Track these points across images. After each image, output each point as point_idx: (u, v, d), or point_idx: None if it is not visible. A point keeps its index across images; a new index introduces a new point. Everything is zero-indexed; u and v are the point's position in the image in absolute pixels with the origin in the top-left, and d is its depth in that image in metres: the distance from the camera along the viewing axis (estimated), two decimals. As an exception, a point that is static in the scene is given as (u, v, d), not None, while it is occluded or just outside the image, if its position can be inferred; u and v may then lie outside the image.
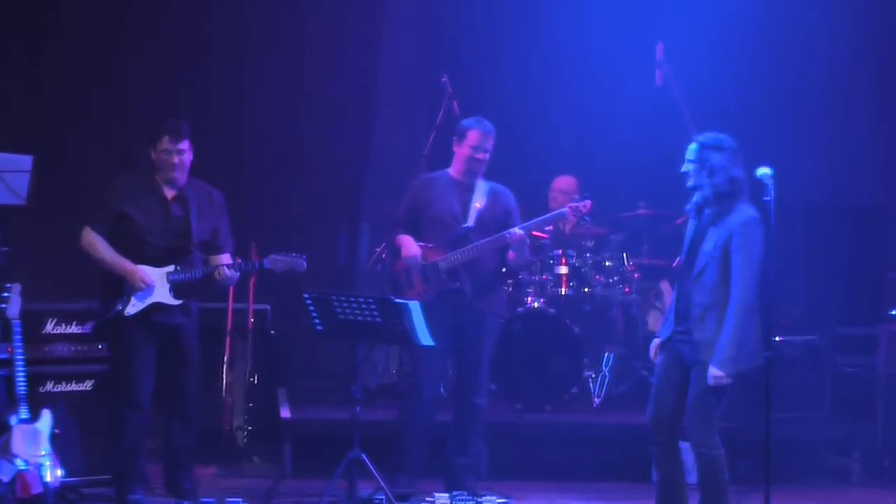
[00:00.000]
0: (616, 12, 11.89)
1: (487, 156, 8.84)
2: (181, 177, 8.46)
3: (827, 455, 9.95)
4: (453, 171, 8.92)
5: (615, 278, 10.85)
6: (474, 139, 8.81)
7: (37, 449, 8.10)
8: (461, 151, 8.85)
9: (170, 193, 8.47)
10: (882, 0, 11.68)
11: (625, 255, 10.97)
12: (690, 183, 7.56)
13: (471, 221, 8.78)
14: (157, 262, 8.37)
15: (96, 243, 8.41)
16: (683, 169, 7.58)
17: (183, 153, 8.40)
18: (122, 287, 8.35)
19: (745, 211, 7.45)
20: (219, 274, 8.47)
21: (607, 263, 10.86)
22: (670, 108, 10.77)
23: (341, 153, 11.67)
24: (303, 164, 11.61)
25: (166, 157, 8.38)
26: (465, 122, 8.95)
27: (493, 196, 8.88)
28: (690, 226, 7.67)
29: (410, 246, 8.74)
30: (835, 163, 11.80)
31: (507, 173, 10.92)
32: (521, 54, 11.95)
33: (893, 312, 9.91)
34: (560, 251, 10.74)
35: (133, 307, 8.34)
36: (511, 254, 8.89)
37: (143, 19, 11.26)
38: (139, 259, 8.35)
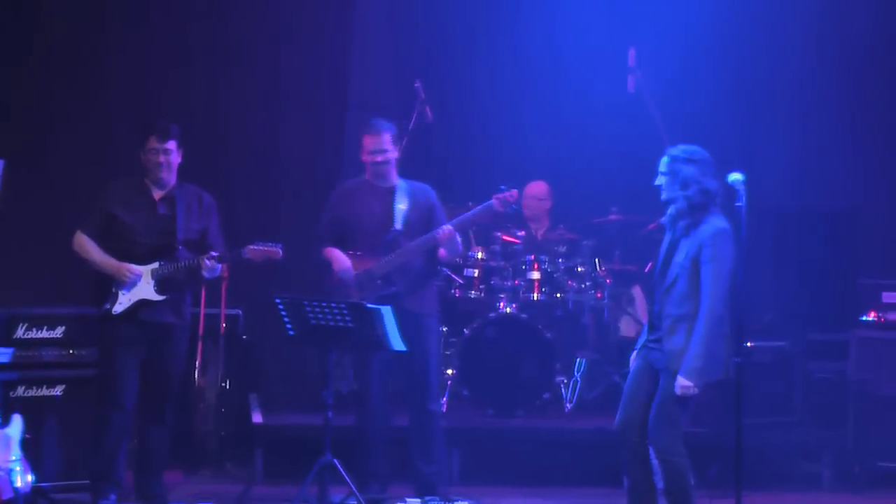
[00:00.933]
0: (588, 18, 11.90)
1: (388, 154, 8.82)
2: (168, 177, 8.56)
3: (798, 461, 9.97)
4: (369, 176, 8.92)
5: (587, 284, 10.86)
6: (368, 144, 8.83)
7: (7, 454, 8.06)
8: (364, 159, 8.88)
9: (158, 194, 8.57)
10: (851, 6, 11.72)
11: (597, 260, 10.98)
12: (664, 196, 7.59)
13: (398, 224, 8.77)
14: (143, 260, 8.45)
15: (85, 244, 8.52)
16: (657, 182, 7.61)
17: (170, 153, 8.51)
18: (110, 287, 8.41)
19: (716, 223, 7.48)
20: (202, 265, 8.45)
21: (579, 269, 10.87)
22: (642, 113, 10.79)
23: (315, 157, 11.66)
24: (276, 169, 11.60)
25: (153, 156, 8.50)
26: (361, 130, 8.97)
27: (413, 195, 8.88)
28: (666, 238, 7.71)
29: (341, 259, 8.75)
30: (806, 168, 11.84)
31: (478, 179, 10.98)
32: (493, 59, 11.96)
33: (864, 318, 9.94)
34: (532, 256, 10.75)
35: (120, 305, 8.41)
36: (442, 251, 8.88)
37: (120, 23, 11.23)
38: (126, 258, 8.43)
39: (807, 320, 10.61)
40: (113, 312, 8.41)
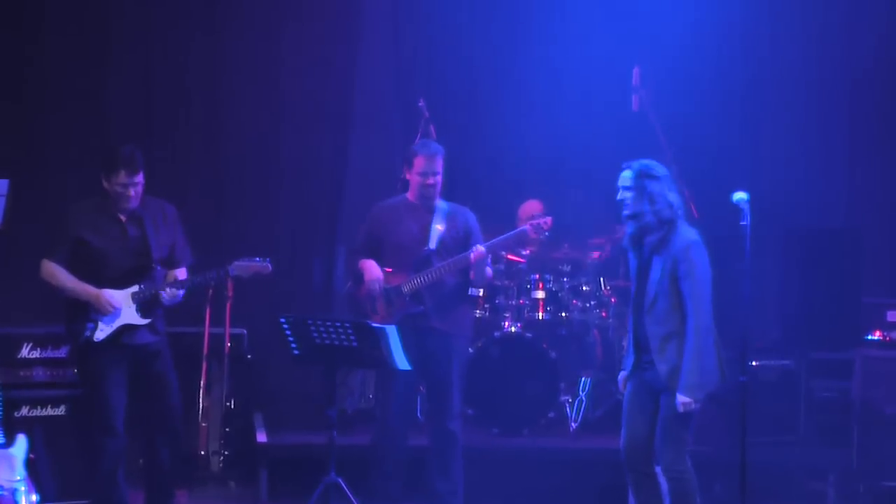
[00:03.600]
0: (593, 37, 11.92)
1: (439, 178, 8.83)
2: (136, 205, 8.42)
3: (802, 479, 9.95)
4: (411, 196, 8.92)
5: (592, 303, 10.86)
6: (421, 165, 8.80)
7: (11, 474, 8.04)
8: (412, 179, 8.86)
9: (123, 216, 8.43)
10: (855, 25, 11.74)
11: (601, 279, 10.98)
12: (628, 212, 7.58)
13: (432, 244, 8.78)
14: (120, 284, 8.35)
15: (55, 272, 8.38)
16: (619, 197, 7.60)
17: (138, 185, 8.36)
18: (87, 312, 8.31)
19: (687, 235, 7.49)
20: (163, 294, 8.36)
21: (584, 288, 10.87)
22: (647, 132, 10.79)
23: (317, 176, 11.66)
24: (279, 187, 11.59)
25: (122, 190, 8.33)
26: (413, 147, 8.97)
27: (452, 218, 8.89)
28: (632, 258, 7.70)
29: (373, 270, 8.76)
30: (810, 187, 11.84)
31: (483, 196, 10.98)
32: (497, 78, 11.95)
33: (869, 337, 9.94)
34: (537, 275, 10.76)
35: (102, 332, 8.32)
36: (471, 273, 8.87)
37: (122, 40, 11.22)
38: (101, 283, 8.33)
39: (811, 339, 10.59)
40: (95, 340, 8.31)
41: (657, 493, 7.66)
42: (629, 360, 7.74)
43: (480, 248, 8.71)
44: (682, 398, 7.41)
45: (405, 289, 8.71)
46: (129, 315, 8.35)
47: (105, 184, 8.39)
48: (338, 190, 11.72)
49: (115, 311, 8.31)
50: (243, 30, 11.47)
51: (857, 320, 10.29)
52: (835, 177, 11.84)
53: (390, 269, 8.76)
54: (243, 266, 8.49)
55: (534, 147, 11.95)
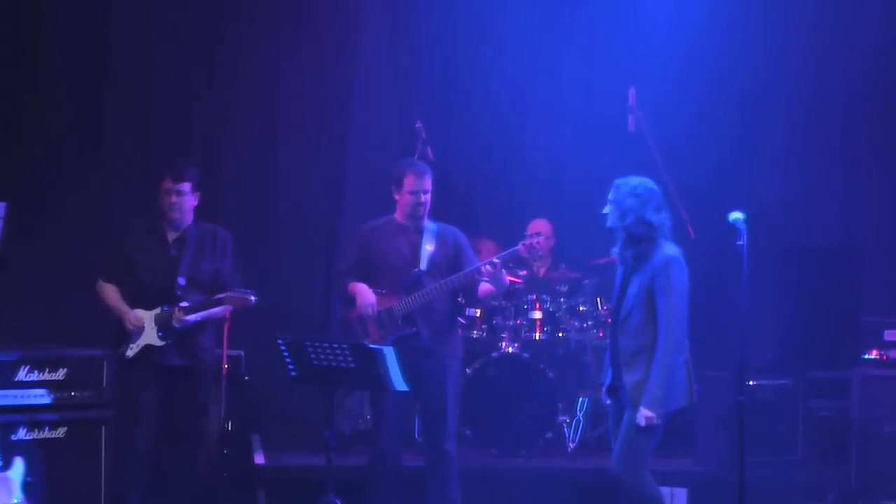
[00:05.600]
0: (588, 57, 11.96)
1: (429, 196, 8.80)
2: (181, 218, 8.64)
3: (801, 499, 9.93)
4: (399, 216, 8.88)
5: (589, 323, 10.87)
6: (411, 184, 8.76)
7: (9, 497, 8.05)
8: (402, 199, 8.81)
9: (172, 236, 8.65)
10: (850, 45, 11.77)
11: (598, 299, 10.99)
12: (608, 223, 7.64)
13: (423, 265, 8.75)
14: (151, 304, 8.54)
15: (104, 290, 8.69)
16: (604, 210, 7.66)
17: (182, 195, 8.59)
18: (126, 331, 8.55)
19: (667, 250, 7.51)
20: (173, 316, 8.50)
21: (581, 308, 10.88)
22: (643, 153, 10.82)
23: (316, 197, 11.68)
24: (278, 209, 11.61)
25: (166, 197, 8.60)
26: (397, 168, 8.93)
27: (441, 237, 8.86)
28: (618, 271, 7.73)
29: (365, 294, 8.71)
30: (807, 206, 11.86)
31: (480, 217, 10.99)
32: (494, 99, 11.97)
33: (866, 356, 9.94)
34: (534, 296, 10.77)
35: (131, 350, 8.52)
36: (484, 287, 8.80)
37: (120, 62, 11.23)
38: (137, 302, 8.54)
39: (809, 358, 10.60)
40: (126, 356, 8.52)
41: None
42: (608, 374, 7.75)
43: (489, 266, 8.63)
44: (644, 412, 7.41)
45: (397, 312, 8.69)
46: (151, 335, 8.52)
47: (158, 195, 8.64)
48: (336, 211, 11.74)
49: (139, 330, 8.49)
50: (241, 50, 11.49)
51: (854, 339, 10.29)
52: (831, 196, 11.86)
53: (382, 291, 8.74)
54: (231, 297, 8.55)
55: (531, 167, 11.99)
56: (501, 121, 12.00)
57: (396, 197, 8.86)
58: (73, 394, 8.81)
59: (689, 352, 7.54)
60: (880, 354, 9.90)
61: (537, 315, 10.77)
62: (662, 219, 7.55)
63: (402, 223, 8.86)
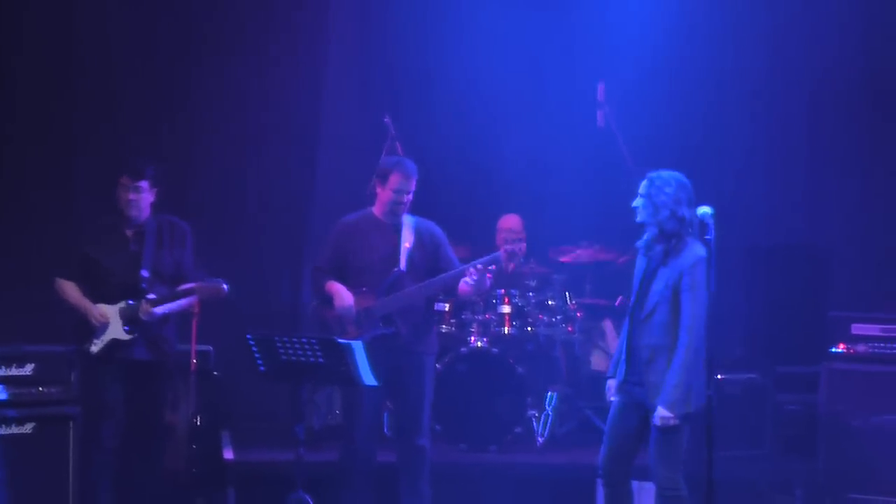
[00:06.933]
0: (558, 53, 11.97)
1: (410, 197, 8.78)
2: (138, 215, 8.62)
3: (769, 493, 9.97)
4: (377, 211, 8.85)
5: (558, 317, 10.88)
6: (396, 182, 8.71)
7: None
8: (384, 194, 8.76)
9: (130, 230, 8.64)
10: (815, 42, 11.80)
11: (568, 294, 11.01)
12: (639, 218, 7.61)
13: (402, 265, 8.72)
14: (114, 299, 8.51)
15: (63, 288, 8.64)
16: (634, 203, 7.62)
17: (140, 192, 8.57)
18: (89, 327, 8.50)
19: (696, 250, 7.47)
20: (140, 309, 8.47)
21: (550, 303, 10.89)
22: (612, 148, 10.84)
23: (284, 193, 11.65)
24: (246, 204, 11.58)
25: (123, 193, 8.58)
26: (386, 163, 8.92)
27: (419, 233, 8.83)
28: (640, 263, 7.69)
29: (344, 295, 8.65)
30: (774, 203, 11.90)
31: (449, 213, 10.99)
32: (463, 94, 11.98)
33: (834, 350, 9.97)
34: (503, 290, 10.76)
35: (95, 346, 8.48)
36: (464, 287, 8.74)
37: (89, 61, 11.18)
38: (99, 297, 8.51)
39: (777, 353, 10.64)
40: (91, 352, 8.49)
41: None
42: (619, 371, 7.71)
43: (472, 270, 8.60)
44: (662, 412, 7.40)
45: (376, 311, 8.64)
46: (117, 330, 8.49)
47: (116, 193, 8.60)
48: (305, 207, 11.72)
49: (104, 326, 8.45)
50: (210, 45, 11.45)
51: (822, 334, 10.32)
52: (798, 192, 11.89)
53: (361, 289, 8.69)
54: (203, 287, 8.52)
55: (500, 163, 11.99)
56: (471, 116, 12.01)
57: (378, 191, 8.82)
58: (40, 389, 8.79)
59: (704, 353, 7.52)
60: (848, 348, 9.92)
61: (506, 310, 10.77)
62: (692, 215, 7.51)
63: (379, 219, 8.83)
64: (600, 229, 11.43)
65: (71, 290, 8.60)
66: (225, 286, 8.53)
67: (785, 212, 11.86)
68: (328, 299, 8.74)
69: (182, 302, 8.68)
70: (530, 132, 11.98)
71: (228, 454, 9.79)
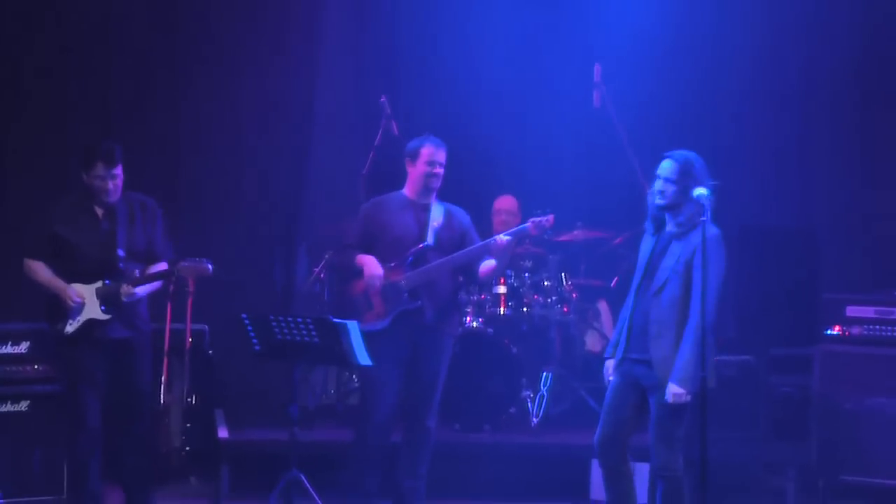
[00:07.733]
0: (554, 33, 11.96)
1: (443, 170, 8.78)
2: (114, 198, 8.48)
3: (762, 475, 10.00)
4: (408, 191, 8.85)
5: (553, 298, 10.89)
6: (428, 154, 8.73)
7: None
8: (417, 170, 8.77)
9: (100, 210, 8.48)
10: (809, 24, 11.79)
11: (563, 275, 11.01)
12: (665, 201, 7.53)
13: (430, 240, 8.73)
14: (88, 279, 8.38)
15: (34, 269, 8.47)
16: (657, 187, 7.57)
17: (116, 178, 8.42)
18: (63, 307, 8.35)
19: (710, 228, 7.44)
20: (121, 291, 8.40)
21: (545, 283, 10.90)
22: (608, 129, 10.83)
23: (278, 173, 11.65)
24: (239, 185, 11.57)
25: (100, 183, 8.39)
26: (414, 141, 8.89)
27: (448, 214, 8.86)
28: (648, 242, 7.67)
29: (373, 266, 8.65)
30: (768, 184, 11.90)
31: (446, 193, 10.98)
32: (458, 75, 11.96)
33: (828, 332, 9.98)
34: (498, 271, 10.75)
35: (71, 326, 8.34)
36: (487, 266, 8.74)
37: (80, 42, 11.16)
38: (73, 277, 8.38)
39: (771, 335, 10.64)
40: (66, 333, 8.37)
41: (630, 488, 7.67)
42: (619, 349, 7.69)
43: (503, 237, 8.62)
44: (675, 388, 7.37)
45: (404, 285, 8.64)
46: (93, 310, 8.36)
47: (84, 178, 8.43)
48: (299, 187, 11.71)
49: (80, 306, 8.33)
50: (203, 28, 11.44)
51: (815, 316, 10.33)
52: (791, 174, 11.89)
53: (390, 264, 8.67)
54: (188, 267, 8.48)
55: (495, 143, 11.97)
56: (466, 97, 11.98)
57: (409, 169, 8.81)
58: (35, 367, 8.80)
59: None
60: (842, 331, 9.92)
61: (501, 290, 10.77)
62: (709, 194, 7.47)
63: (410, 199, 8.84)
64: (596, 209, 11.44)
65: (42, 271, 8.44)
66: (209, 266, 8.49)
67: (779, 193, 11.85)
68: (357, 272, 8.70)
69: (159, 282, 8.63)
70: (526, 112, 11.98)
71: (223, 433, 9.80)
